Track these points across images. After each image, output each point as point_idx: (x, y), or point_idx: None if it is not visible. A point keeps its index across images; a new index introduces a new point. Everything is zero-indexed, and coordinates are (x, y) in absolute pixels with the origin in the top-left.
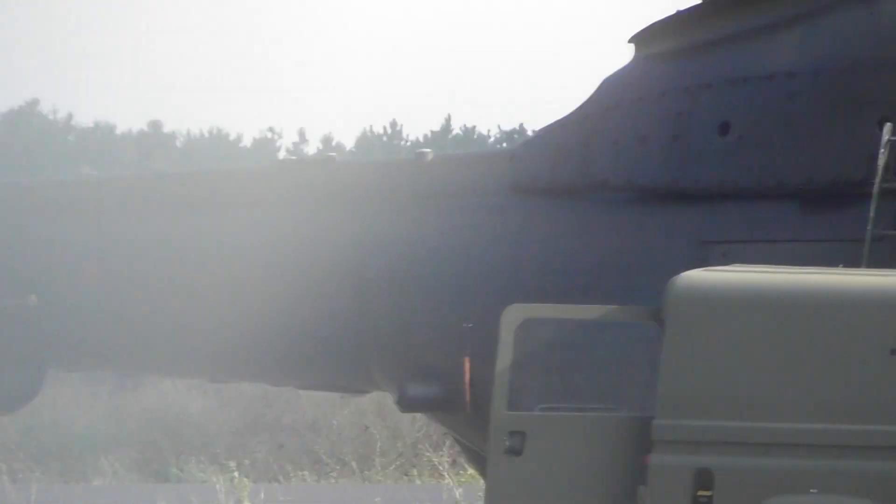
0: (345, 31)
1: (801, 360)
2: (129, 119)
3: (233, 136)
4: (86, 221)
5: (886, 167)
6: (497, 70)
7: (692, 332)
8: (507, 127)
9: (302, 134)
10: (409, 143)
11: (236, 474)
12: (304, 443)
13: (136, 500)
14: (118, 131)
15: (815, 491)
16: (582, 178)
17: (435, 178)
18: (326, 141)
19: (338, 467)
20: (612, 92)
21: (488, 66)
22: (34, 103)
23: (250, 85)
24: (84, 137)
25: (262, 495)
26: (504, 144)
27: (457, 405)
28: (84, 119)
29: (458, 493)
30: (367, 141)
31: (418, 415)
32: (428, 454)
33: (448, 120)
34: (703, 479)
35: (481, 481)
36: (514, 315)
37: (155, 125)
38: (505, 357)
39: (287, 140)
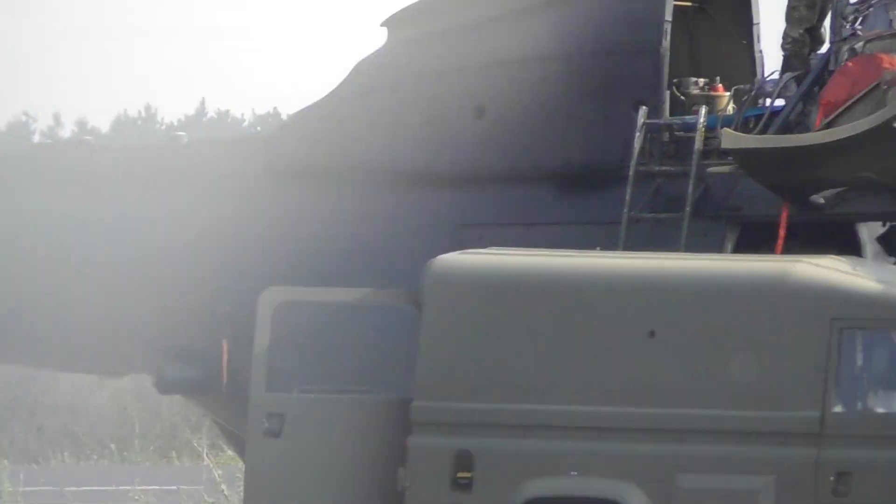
0: (98, 12)
1: (559, 343)
2: None
3: None
4: None
5: (642, 150)
6: (251, 54)
7: (449, 315)
8: (261, 111)
9: (57, 118)
10: (163, 127)
11: None
12: (64, 424)
13: None
14: None
15: (575, 473)
16: (337, 161)
17: (190, 162)
18: (81, 124)
19: (98, 449)
20: (367, 75)
21: (242, 50)
22: None
23: (2, 68)
24: None
25: (22, 477)
26: (258, 128)
27: (215, 387)
28: None
29: (217, 474)
30: (122, 124)
31: (177, 396)
32: (187, 435)
33: (202, 103)
34: (463, 460)
35: (241, 463)
36: (271, 298)
37: None
38: (262, 339)
39: (42, 124)
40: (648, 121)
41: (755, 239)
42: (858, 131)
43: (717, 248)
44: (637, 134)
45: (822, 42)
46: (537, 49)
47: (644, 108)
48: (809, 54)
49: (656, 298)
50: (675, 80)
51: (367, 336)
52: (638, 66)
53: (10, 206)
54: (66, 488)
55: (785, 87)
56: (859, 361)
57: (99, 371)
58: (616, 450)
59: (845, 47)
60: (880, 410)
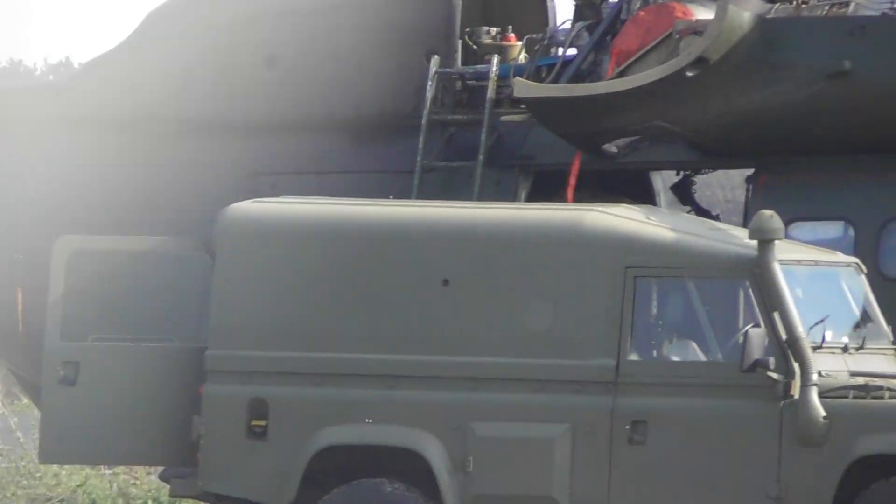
0: None
1: (353, 291)
2: None
3: None
4: None
5: (434, 99)
6: (42, 2)
7: (242, 264)
8: (53, 60)
9: None
10: None
11: None
12: None
13: None
14: None
15: (370, 421)
16: (130, 110)
17: None
18: None
19: None
20: (158, 25)
21: None
22: None
23: None
24: None
25: None
26: (51, 77)
27: (9, 335)
28: None
29: (12, 422)
30: None
31: None
32: None
33: None
34: (258, 408)
35: (36, 411)
36: (64, 246)
37: None
38: (57, 288)
39: None
40: (441, 70)
41: (548, 187)
42: (651, 80)
43: (511, 197)
44: (430, 83)
45: None
46: None
47: (436, 57)
48: (601, 3)
49: (450, 247)
50: (467, 30)
51: (162, 284)
52: (430, 16)
53: None
54: None
55: (577, 36)
56: (654, 309)
57: None
58: (411, 398)
59: None
60: (675, 358)
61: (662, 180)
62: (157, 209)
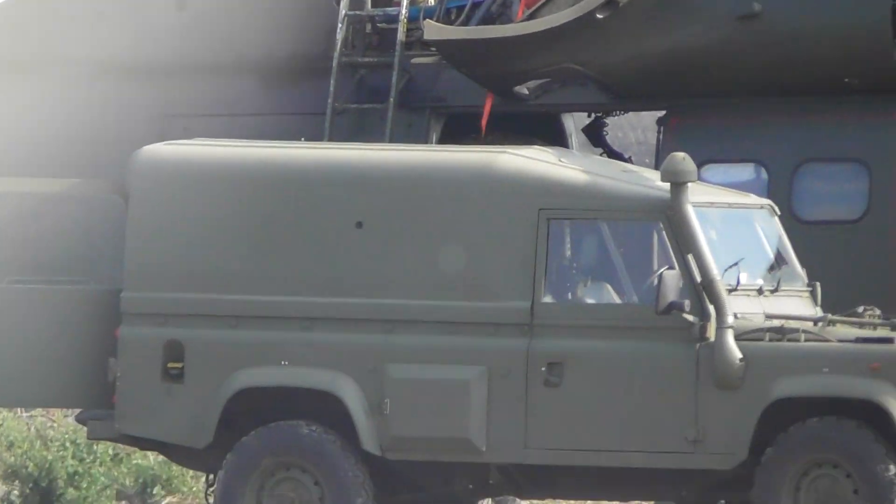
0: None
1: (266, 234)
2: None
3: None
4: None
5: (345, 41)
6: None
7: (156, 206)
8: None
9: None
10: None
11: None
12: None
13: None
14: None
15: (285, 363)
16: (42, 53)
17: None
18: None
19: None
20: None
21: None
22: None
23: None
24: None
25: None
26: None
27: None
28: None
29: None
30: None
31: None
32: None
33: None
34: (173, 351)
35: None
36: None
37: None
38: None
39: None
40: (351, 12)
41: (460, 130)
42: (561, 22)
43: (422, 139)
44: (340, 25)
45: None
46: None
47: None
48: None
49: (362, 189)
50: None
51: (75, 227)
52: None
53: None
54: None
55: None
56: (568, 252)
57: None
58: (327, 340)
59: None
60: (590, 301)
61: (574, 122)
62: (70, 151)
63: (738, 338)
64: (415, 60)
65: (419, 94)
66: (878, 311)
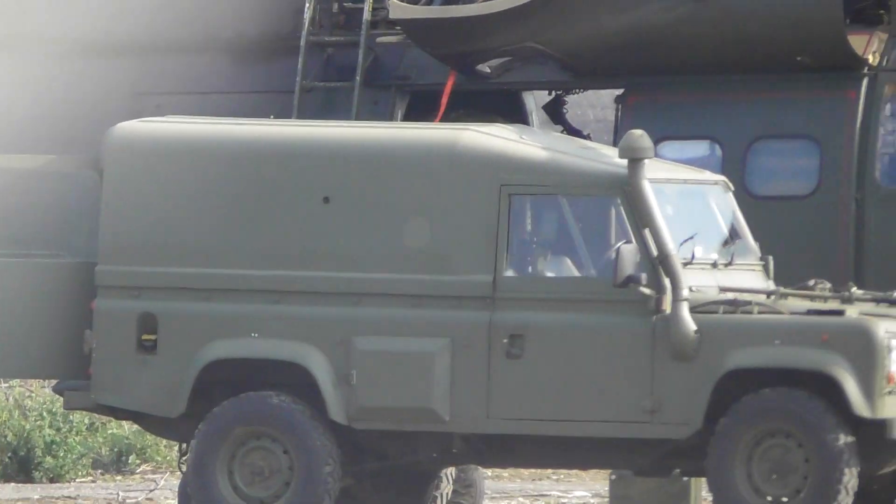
0: None
1: (237, 209)
2: None
3: None
4: None
5: (312, 20)
6: None
7: (129, 181)
8: None
9: None
10: None
11: None
12: None
13: None
14: None
15: (255, 335)
16: (18, 31)
17: None
18: None
19: None
20: None
21: None
22: None
23: None
24: None
25: None
26: None
27: None
28: None
29: None
30: None
31: None
32: None
33: None
34: (147, 323)
35: None
36: None
37: None
38: None
39: None
40: None
41: (424, 107)
42: (523, 2)
43: (388, 117)
44: (308, 4)
45: None
46: None
47: None
48: None
49: (330, 165)
50: None
51: (51, 202)
52: None
53: None
54: None
55: None
56: (528, 226)
57: None
58: (295, 313)
59: None
60: (550, 274)
61: (535, 100)
62: (45, 127)
63: (693, 310)
64: (380, 39)
65: (385, 73)
66: (828, 285)
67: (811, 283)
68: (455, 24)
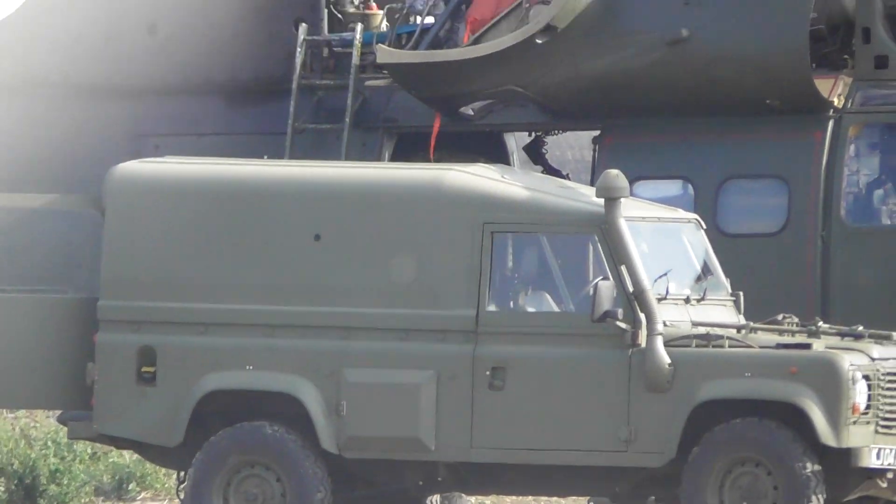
0: None
1: (233, 246)
2: None
3: None
4: None
5: (304, 65)
6: None
7: (130, 219)
8: None
9: None
10: None
11: None
12: None
13: None
14: None
15: (250, 367)
16: (24, 75)
17: None
18: None
19: None
20: None
21: None
22: None
23: None
24: None
25: None
26: None
27: None
28: None
29: None
30: None
31: None
32: None
33: None
34: (147, 355)
35: None
36: None
37: None
38: None
39: None
40: (309, 37)
41: (410, 148)
42: (503, 47)
43: (376, 157)
44: (299, 49)
45: None
46: None
47: (304, 25)
48: None
49: (321, 204)
50: (332, 0)
51: (55, 239)
52: None
53: None
54: None
55: (434, 5)
56: (510, 263)
57: None
58: (288, 346)
59: None
60: (530, 309)
61: (516, 141)
62: (50, 168)
63: (667, 344)
64: (368, 83)
65: (372, 115)
66: (796, 319)
67: (780, 317)
68: (439, 68)
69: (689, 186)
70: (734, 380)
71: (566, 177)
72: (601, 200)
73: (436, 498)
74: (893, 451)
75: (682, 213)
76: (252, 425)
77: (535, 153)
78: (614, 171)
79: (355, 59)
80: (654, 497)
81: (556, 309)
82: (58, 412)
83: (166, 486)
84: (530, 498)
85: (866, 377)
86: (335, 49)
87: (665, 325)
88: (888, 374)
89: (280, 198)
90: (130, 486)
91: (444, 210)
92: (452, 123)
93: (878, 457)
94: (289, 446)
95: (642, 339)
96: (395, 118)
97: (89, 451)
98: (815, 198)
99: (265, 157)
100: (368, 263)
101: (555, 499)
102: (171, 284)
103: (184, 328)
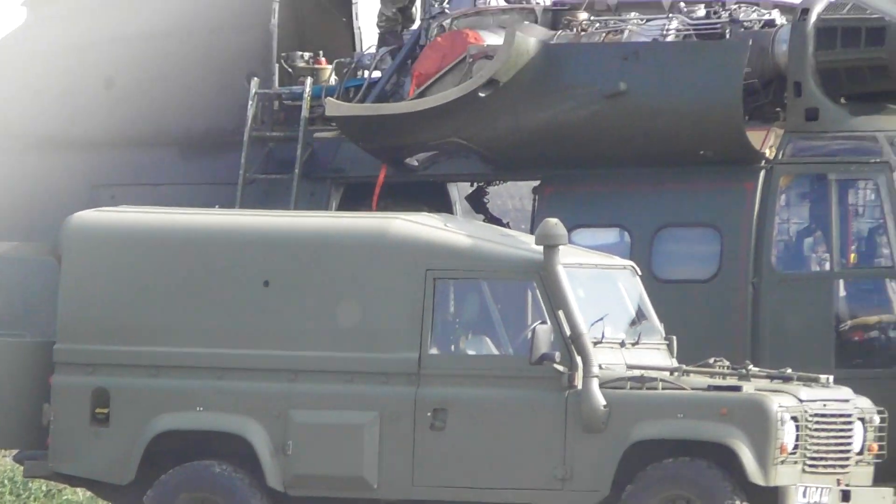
0: None
1: (184, 292)
2: None
3: None
4: None
5: (255, 117)
6: None
7: (86, 266)
8: None
9: None
10: None
11: None
12: None
13: None
14: None
15: (200, 409)
16: None
17: None
18: None
19: None
20: (8, 50)
21: None
22: None
23: None
24: None
25: None
26: None
27: None
28: None
29: None
30: None
31: None
32: None
33: None
34: (100, 397)
35: None
36: None
37: None
38: None
39: None
40: (260, 90)
41: (357, 197)
42: (447, 100)
43: (324, 206)
44: (250, 102)
45: (413, 20)
46: (159, 25)
47: (256, 79)
48: (402, 30)
49: (270, 252)
50: (283, 54)
51: (13, 285)
52: (249, 42)
53: None
54: None
55: (381, 60)
56: (452, 308)
57: None
58: (237, 388)
59: (435, 24)
60: (471, 352)
61: (458, 191)
62: (8, 217)
63: (602, 386)
64: (317, 135)
65: (321, 166)
66: (726, 362)
67: (711, 360)
68: (385, 120)
69: (626, 234)
70: (667, 420)
71: (507, 225)
72: (540, 248)
73: None
74: (820, 490)
75: (618, 260)
76: (201, 464)
77: (477, 202)
78: (553, 220)
79: (305, 112)
80: None
81: (495, 352)
82: (14, 451)
83: None
84: None
85: (794, 418)
86: (285, 102)
87: (601, 367)
88: (815, 415)
89: (230, 245)
90: None
91: (388, 257)
92: (398, 174)
93: (804, 495)
94: (236, 484)
95: (578, 381)
96: (343, 169)
97: (44, 488)
98: (746, 245)
99: (217, 206)
100: (315, 308)
101: None
102: (125, 328)
103: (136, 371)
